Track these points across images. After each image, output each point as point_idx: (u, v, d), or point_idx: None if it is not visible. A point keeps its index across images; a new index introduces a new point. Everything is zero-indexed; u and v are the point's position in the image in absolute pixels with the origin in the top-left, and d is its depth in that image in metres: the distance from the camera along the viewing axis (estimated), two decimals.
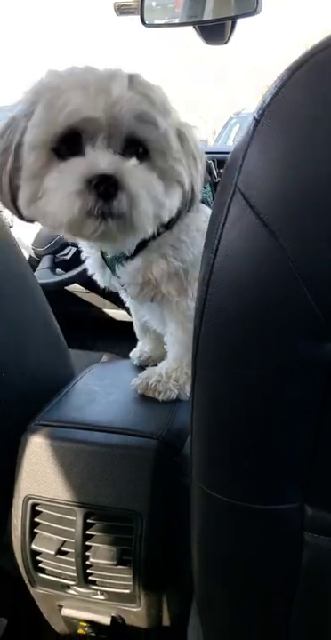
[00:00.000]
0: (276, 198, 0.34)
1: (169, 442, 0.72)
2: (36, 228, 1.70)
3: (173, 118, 0.66)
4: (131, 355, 1.03)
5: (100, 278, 0.86)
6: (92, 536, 0.71)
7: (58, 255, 1.72)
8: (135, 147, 0.63)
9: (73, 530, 0.71)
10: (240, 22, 1.17)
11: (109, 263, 0.81)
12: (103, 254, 0.81)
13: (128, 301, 0.99)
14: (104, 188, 0.58)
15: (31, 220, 0.68)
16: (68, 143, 0.61)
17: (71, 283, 1.71)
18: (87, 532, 0.71)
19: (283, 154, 0.33)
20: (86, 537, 0.71)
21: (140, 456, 0.71)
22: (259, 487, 0.51)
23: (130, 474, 0.71)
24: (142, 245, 0.76)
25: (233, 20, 1.19)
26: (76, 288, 1.88)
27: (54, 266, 1.71)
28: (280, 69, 0.35)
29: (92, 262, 0.85)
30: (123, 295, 0.97)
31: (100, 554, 0.71)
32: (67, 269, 1.70)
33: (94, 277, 0.89)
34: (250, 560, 0.56)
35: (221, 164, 1.65)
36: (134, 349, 1.04)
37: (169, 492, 0.72)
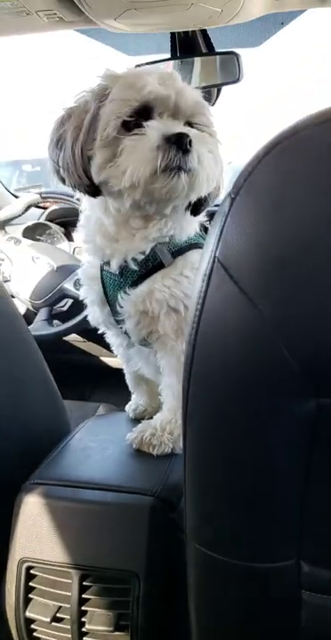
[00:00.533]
0: (252, 268, 0.37)
1: (165, 498, 0.72)
2: (33, 281, 1.74)
3: None
4: (126, 408, 1.03)
5: (99, 314, 0.88)
6: (88, 600, 0.70)
7: (55, 307, 1.75)
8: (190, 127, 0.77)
9: (69, 594, 0.70)
10: (224, 90, 1.25)
11: (110, 297, 0.84)
12: (105, 288, 0.84)
13: (119, 352, 0.99)
14: (183, 142, 0.70)
15: (97, 191, 0.77)
16: (140, 116, 0.73)
17: (68, 334, 1.73)
18: (83, 596, 0.70)
19: (256, 229, 0.36)
20: (82, 601, 0.69)
21: (135, 514, 0.70)
22: (253, 545, 0.50)
23: (126, 532, 0.70)
24: (146, 275, 0.80)
25: (218, 87, 1.28)
26: (72, 337, 1.90)
27: (51, 317, 1.74)
28: (259, 139, 0.38)
29: (92, 299, 0.88)
30: (114, 342, 0.97)
31: (97, 619, 0.69)
32: (64, 321, 1.72)
33: (90, 317, 0.90)
34: (248, 620, 0.55)
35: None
36: (130, 402, 1.03)
37: (166, 550, 0.70)
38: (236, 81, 1.22)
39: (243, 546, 0.52)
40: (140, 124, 0.73)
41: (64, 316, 1.75)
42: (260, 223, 0.36)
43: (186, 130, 0.73)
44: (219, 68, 1.33)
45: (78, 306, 1.71)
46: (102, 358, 2.02)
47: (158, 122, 0.73)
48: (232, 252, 0.37)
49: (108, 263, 0.83)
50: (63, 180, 0.79)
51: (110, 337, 0.97)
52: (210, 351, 0.40)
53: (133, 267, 0.80)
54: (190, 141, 0.71)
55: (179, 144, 0.70)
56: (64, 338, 1.85)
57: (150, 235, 0.80)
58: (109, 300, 0.85)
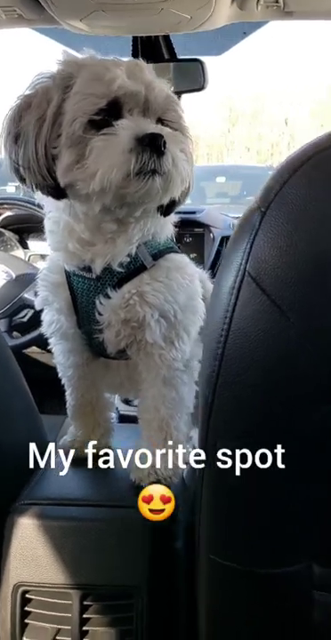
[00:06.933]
0: (286, 281, 0.37)
1: None
2: None
3: None
4: (61, 443, 0.88)
5: (65, 324, 0.79)
6: (89, 619, 0.68)
7: (14, 318, 1.68)
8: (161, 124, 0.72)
9: (69, 615, 0.67)
10: None
11: (82, 304, 0.77)
12: (75, 296, 0.77)
13: (68, 375, 0.88)
14: (157, 144, 0.65)
15: (62, 194, 0.70)
16: (109, 113, 0.67)
17: (29, 346, 1.67)
18: (84, 616, 0.68)
19: (291, 241, 0.37)
20: (83, 621, 0.68)
21: (132, 528, 0.69)
22: (269, 551, 0.51)
23: (124, 547, 0.69)
24: (127, 278, 0.75)
25: (179, 94, 1.28)
26: (31, 350, 1.83)
27: (11, 329, 1.67)
28: None
29: (59, 307, 0.79)
30: (64, 362, 0.87)
31: (100, 638, 0.67)
32: (24, 332, 1.66)
33: (52, 328, 0.81)
34: (261, 623, 0.56)
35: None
36: (65, 436, 0.89)
37: (165, 561, 0.70)
38: (200, 88, 1.23)
39: (256, 553, 0.53)
40: (109, 122, 0.67)
41: (24, 328, 1.68)
42: (294, 236, 0.36)
43: (159, 129, 0.68)
44: (179, 74, 1.35)
45: (39, 316, 1.65)
46: None
47: (130, 120, 0.67)
48: (264, 265, 0.38)
49: (84, 268, 0.76)
50: (23, 180, 0.72)
51: (61, 354, 0.86)
52: (239, 363, 0.41)
53: (119, 269, 0.75)
54: (165, 142, 0.66)
55: (153, 146, 0.65)
56: (24, 350, 1.78)
57: (133, 237, 0.74)
58: (78, 308, 0.79)
